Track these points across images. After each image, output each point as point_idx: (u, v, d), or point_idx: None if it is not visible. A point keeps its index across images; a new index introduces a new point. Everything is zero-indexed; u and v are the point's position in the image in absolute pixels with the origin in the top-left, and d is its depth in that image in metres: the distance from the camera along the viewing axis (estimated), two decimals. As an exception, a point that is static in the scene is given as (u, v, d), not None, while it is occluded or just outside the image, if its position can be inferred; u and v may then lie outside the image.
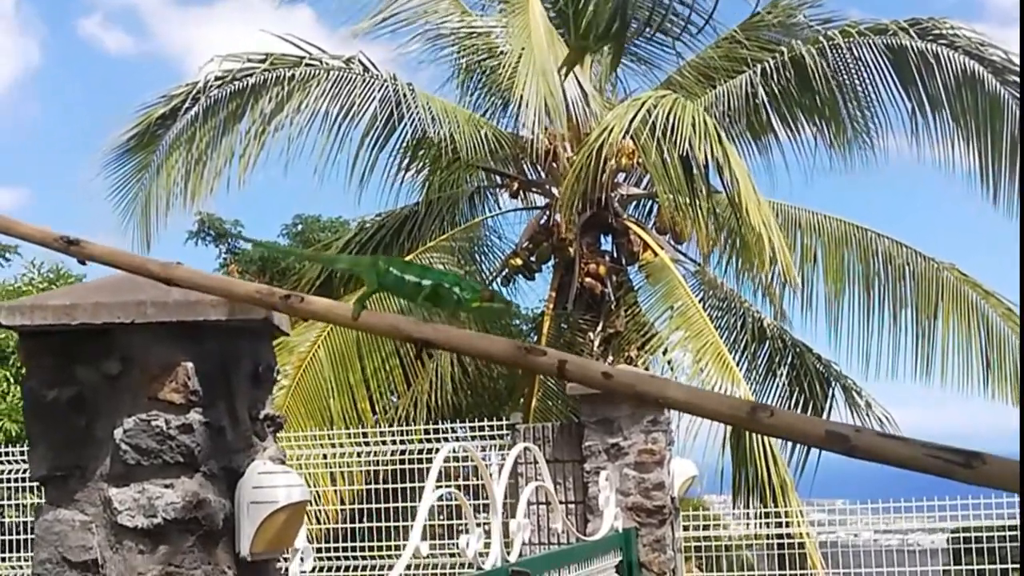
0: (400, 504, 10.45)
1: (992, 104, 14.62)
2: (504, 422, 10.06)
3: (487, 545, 5.77)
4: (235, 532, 3.65)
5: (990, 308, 15.62)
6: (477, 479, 9.03)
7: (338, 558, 10.45)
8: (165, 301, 3.50)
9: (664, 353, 13.80)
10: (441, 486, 5.91)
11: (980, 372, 15.36)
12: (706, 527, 12.19)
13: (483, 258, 16.08)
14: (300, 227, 23.24)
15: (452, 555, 9.32)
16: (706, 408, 2.60)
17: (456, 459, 9.23)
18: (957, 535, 12.48)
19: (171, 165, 14.46)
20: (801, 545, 12.06)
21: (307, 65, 14.41)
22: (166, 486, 3.50)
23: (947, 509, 11.66)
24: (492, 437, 10.03)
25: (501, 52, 15.12)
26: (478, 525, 5.65)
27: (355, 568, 10.42)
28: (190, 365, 3.53)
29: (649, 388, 2.65)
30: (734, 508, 13.96)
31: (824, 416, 15.50)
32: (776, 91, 14.84)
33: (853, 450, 2.26)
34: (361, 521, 10.69)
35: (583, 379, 2.76)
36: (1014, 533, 11.46)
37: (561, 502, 8.79)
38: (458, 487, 7.60)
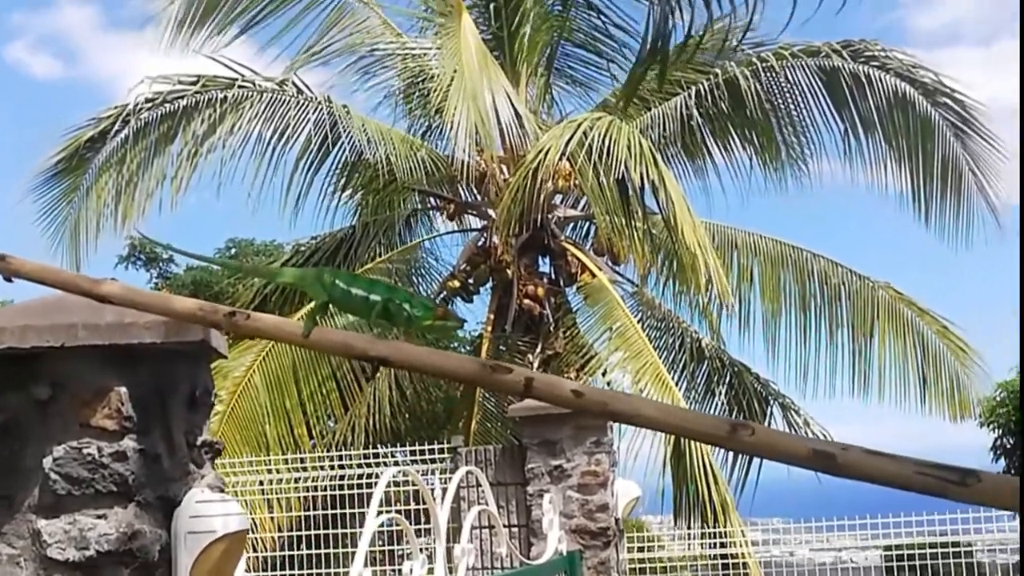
0: (339, 530, 10.26)
1: (923, 125, 14.82)
2: (445, 445, 9.93)
3: (431, 571, 5.63)
4: (172, 564, 3.48)
5: (925, 326, 15.80)
6: (418, 503, 8.88)
7: (275, 587, 10.24)
8: (97, 323, 3.34)
9: (604, 374, 13.76)
10: (383, 511, 5.77)
11: (917, 388, 15.52)
12: (649, 548, 12.14)
13: (421, 280, 15.97)
14: (233, 251, 22.95)
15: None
16: (683, 427, 2.51)
17: (397, 484, 9.08)
18: (890, 552, 12.55)
19: (101, 188, 14.18)
20: (744, 565, 12.04)
21: (240, 87, 14.22)
22: (98, 517, 3.33)
23: (879, 527, 11.70)
24: (433, 461, 9.90)
25: (435, 74, 15.03)
26: (421, 551, 5.51)
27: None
28: (124, 390, 3.37)
29: (622, 407, 2.56)
30: (675, 528, 13.92)
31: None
32: (711, 113, 14.94)
33: (839, 469, 2.19)
34: (299, 548, 10.48)
35: (551, 397, 2.67)
36: (946, 550, 11.52)
37: (504, 525, 8.67)
38: (399, 512, 7.45)
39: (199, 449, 3.68)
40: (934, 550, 11.52)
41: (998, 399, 19.02)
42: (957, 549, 11.56)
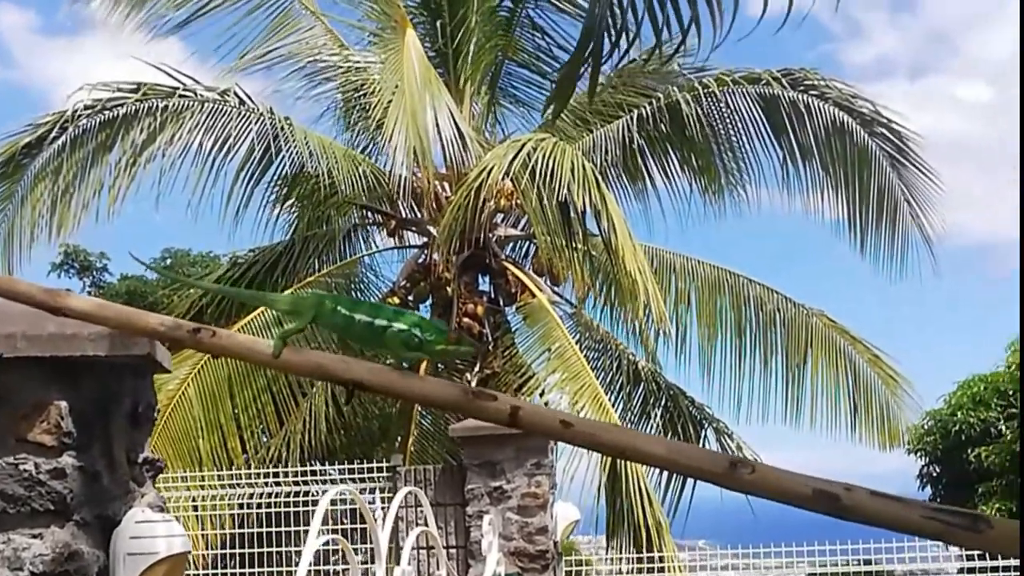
0: (273, 549, 10.10)
1: (860, 154, 14.98)
2: (384, 464, 9.82)
3: (370, 593, 5.56)
4: (110, 586, 3.39)
5: (857, 354, 15.96)
6: (355, 523, 8.77)
7: (206, 606, 10.05)
8: (39, 334, 3.24)
9: (541, 395, 13.71)
10: (323, 531, 5.68)
11: (847, 416, 15.67)
12: (586, 572, 12.09)
13: (359, 296, 15.80)
14: (168, 260, 22.63)
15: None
16: (678, 462, 2.43)
17: (333, 502, 8.96)
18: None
19: (36, 196, 13.87)
20: (677, 590, 12.04)
21: (181, 96, 14.01)
22: (34, 536, 3.22)
23: (804, 555, 11.77)
24: (371, 479, 9.78)
25: (377, 89, 14.94)
26: (362, 573, 5.43)
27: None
28: (64, 404, 3.27)
29: (614, 439, 2.48)
30: (607, 551, 13.88)
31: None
32: (652, 136, 15.00)
33: (843, 511, 2.13)
34: (231, 567, 10.29)
35: (538, 428, 2.59)
36: None
37: (443, 547, 8.59)
38: (335, 531, 7.35)
39: (140, 467, 3.59)
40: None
41: (925, 427, 19.29)
42: (880, 578, 11.68)
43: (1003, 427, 18.06)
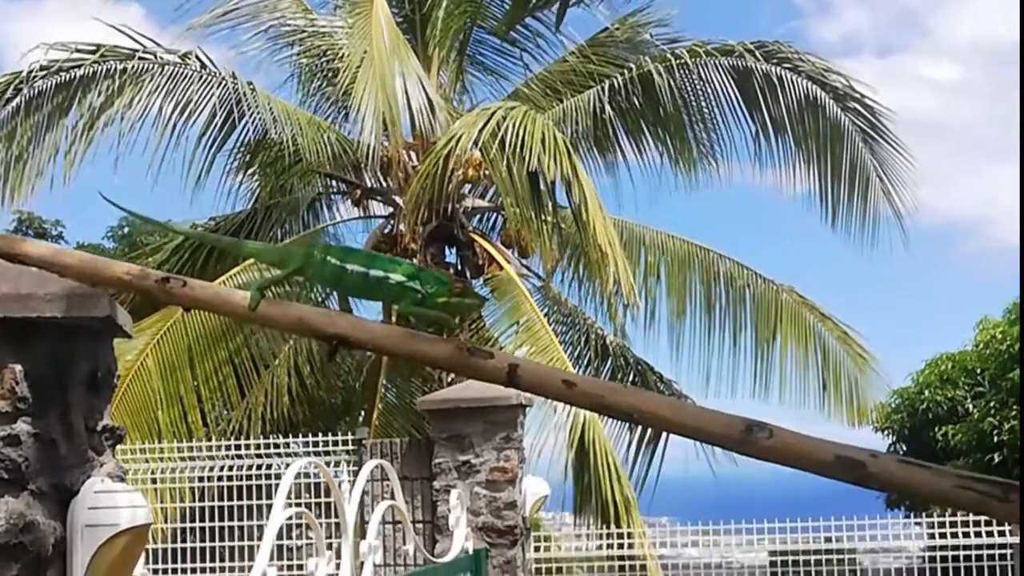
0: (234, 523, 9.87)
1: (832, 129, 14.86)
2: (349, 437, 9.60)
3: (337, 567, 5.34)
4: (67, 559, 3.15)
5: (826, 331, 15.89)
6: (319, 496, 8.55)
7: (165, 580, 9.80)
8: (-9, 292, 2.99)
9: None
10: (290, 505, 5.44)
11: (816, 393, 15.61)
12: (546, 548, 11.93)
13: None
14: (126, 229, 22.23)
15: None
16: (690, 426, 2.24)
17: (298, 475, 8.73)
18: (776, 557, 12.61)
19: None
20: (643, 567, 11.90)
21: (140, 59, 13.63)
22: (-14, 507, 2.98)
23: (765, 532, 11.72)
24: (335, 452, 9.56)
25: (344, 55, 14.63)
26: (328, 548, 5.21)
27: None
28: (19, 368, 3.03)
29: (620, 400, 2.28)
30: (575, 527, 13.74)
31: (664, 435, 15.49)
32: (623, 108, 14.78)
33: (868, 479, 1.93)
34: (190, 541, 10.05)
35: (538, 388, 2.38)
36: (830, 556, 11.58)
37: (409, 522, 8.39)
38: (298, 505, 7.12)
39: (100, 435, 3.35)
40: (818, 556, 11.57)
41: (893, 406, 19.32)
42: (841, 556, 11.63)
43: (970, 406, 18.10)
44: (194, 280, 2.80)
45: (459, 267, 14.91)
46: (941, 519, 11.44)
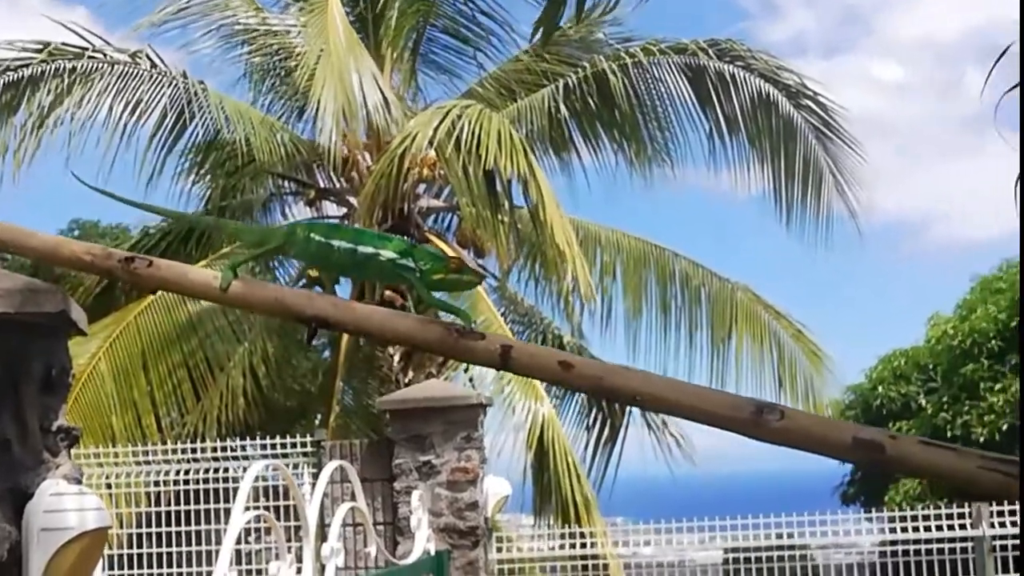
0: (191, 527, 9.72)
1: (786, 127, 14.87)
2: (308, 439, 9.48)
3: (299, 571, 5.23)
4: (22, 564, 3.03)
5: (781, 329, 15.93)
6: (279, 500, 8.43)
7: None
8: (-60, 286, 2.86)
9: (466, 370, 13.44)
10: (249, 508, 5.32)
11: (773, 391, 15.60)
12: (507, 549, 11.86)
13: (279, 267, 15.35)
14: (76, 232, 21.88)
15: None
16: (696, 408, 2.15)
17: (255, 478, 8.59)
18: (730, 555, 12.65)
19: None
20: (605, 566, 11.87)
21: (90, 58, 13.42)
22: (-64, 512, 2.86)
23: (717, 529, 11.76)
24: (293, 455, 9.43)
25: (298, 53, 14.48)
26: (289, 551, 5.09)
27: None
28: (-31, 365, 2.91)
29: (621, 382, 2.18)
30: (536, 528, 13.69)
31: (621, 435, 15.48)
32: (577, 107, 14.72)
33: (888, 462, 1.85)
34: (146, 546, 9.89)
35: (532, 370, 2.29)
36: (782, 553, 11.64)
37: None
38: (257, 508, 7.00)
39: (55, 435, 3.23)
40: (771, 552, 11.62)
41: (847, 402, 19.45)
42: (793, 552, 11.68)
43: (923, 401, 18.27)
44: (160, 260, 2.66)
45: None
46: (893, 514, 11.51)
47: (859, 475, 19.89)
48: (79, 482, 3.28)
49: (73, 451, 9.30)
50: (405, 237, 3.16)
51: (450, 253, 2.85)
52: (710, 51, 14.49)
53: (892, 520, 11.30)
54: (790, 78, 14.82)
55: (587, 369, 2.22)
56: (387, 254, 2.74)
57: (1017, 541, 10.37)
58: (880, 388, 18.80)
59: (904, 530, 11.00)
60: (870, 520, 13.49)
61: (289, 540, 5.60)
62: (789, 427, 1.98)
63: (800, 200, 15.21)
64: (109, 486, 10.17)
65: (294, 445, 9.46)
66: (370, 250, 2.73)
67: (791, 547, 11.78)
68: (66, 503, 3.09)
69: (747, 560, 11.91)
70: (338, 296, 2.69)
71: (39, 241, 2.66)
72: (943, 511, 10.89)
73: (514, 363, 2.28)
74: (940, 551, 10.86)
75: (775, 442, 2.09)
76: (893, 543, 11.32)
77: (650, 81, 14.76)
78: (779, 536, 11.73)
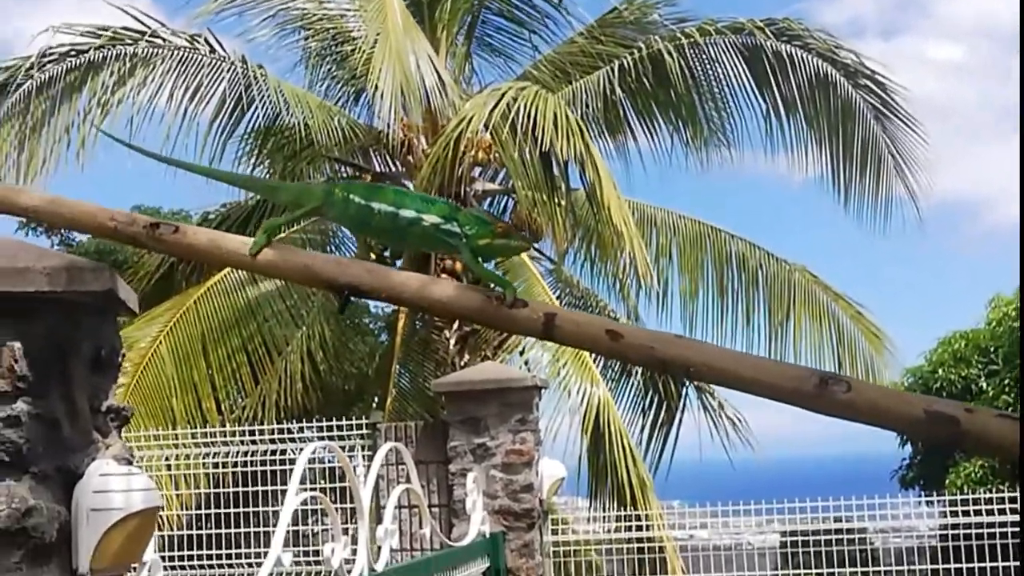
0: (248, 509, 9.82)
1: (844, 107, 14.68)
2: (364, 421, 9.53)
3: (353, 552, 5.25)
4: (72, 545, 3.06)
5: (840, 310, 15.77)
6: (334, 482, 8.48)
7: (182, 567, 9.75)
8: (-12, 267, 2.89)
9: (521, 353, 13.44)
10: (304, 489, 5.36)
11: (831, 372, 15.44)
12: (563, 531, 11.88)
13: (336, 252, 15.43)
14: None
15: (308, 564, 8.74)
16: (756, 380, 2.05)
17: (311, 461, 8.66)
18: (787, 538, 12.57)
19: (1, 145, 13.37)
20: (660, 549, 11.84)
21: (149, 42, 13.55)
22: (-13, 491, 2.89)
23: (774, 512, 11.68)
24: (349, 437, 9.48)
25: (355, 37, 14.52)
26: (345, 532, 5.12)
27: (198, 578, 9.76)
28: (17, 346, 2.93)
29: (674, 352, 2.08)
30: (590, 510, 13.67)
31: (678, 417, 15.42)
32: (633, 88, 14.62)
33: (962, 437, 1.75)
34: (206, 527, 10.00)
35: (579, 340, 2.21)
36: (840, 536, 11.55)
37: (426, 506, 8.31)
38: (313, 491, 7.04)
39: (105, 416, 3.25)
40: (828, 536, 11.53)
41: (906, 384, 19.18)
42: (851, 536, 11.58)
43: (984, 384, 17.97)
44: (187, 226, 2.61)
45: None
46: (954, 497, 11.37)
47: (918, 458, 19.63)
48: (130, 462, 3.30)
49: (134, 433, 9.42)
50: (451, 200, 3.02)
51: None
52: (767, 30, 14.32)
53: (952, 504, 11.16)
54: (848, 57, 14.61)
55: (637, 339, 2.12)
56: (431, 218, 2.61)
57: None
58: (940, 371, 18.52)
59: (965, 514, 10.87)
60: (930, 504, 13.34)
61: (346, 522, 5.64)
62: (856, 400, 1.89)
63: (858, 182, 15.03)
64: (169, 467, 10.30)
65: (350, 428, 9.52)
66: (412, 214, 2.61)
67: (849, 531, 11.70)
68: (116, 483, 3.11)
69: (804, 544, 11.84)
70: (373, 262, 2.60)
71: (68, 209, 2.64)
72: (1005, 494, 10.73)
73: (558, 332, 2.19)
74: (1003, 535, 10.71)
75: (840, 416, 2.00)
76: (954, 527, 11.19)
77: (706, 61, 14.62)
78: (836, 520, 11.66)
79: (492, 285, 2.55)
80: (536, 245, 15.50)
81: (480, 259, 2.71)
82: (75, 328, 3.11)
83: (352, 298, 2.60)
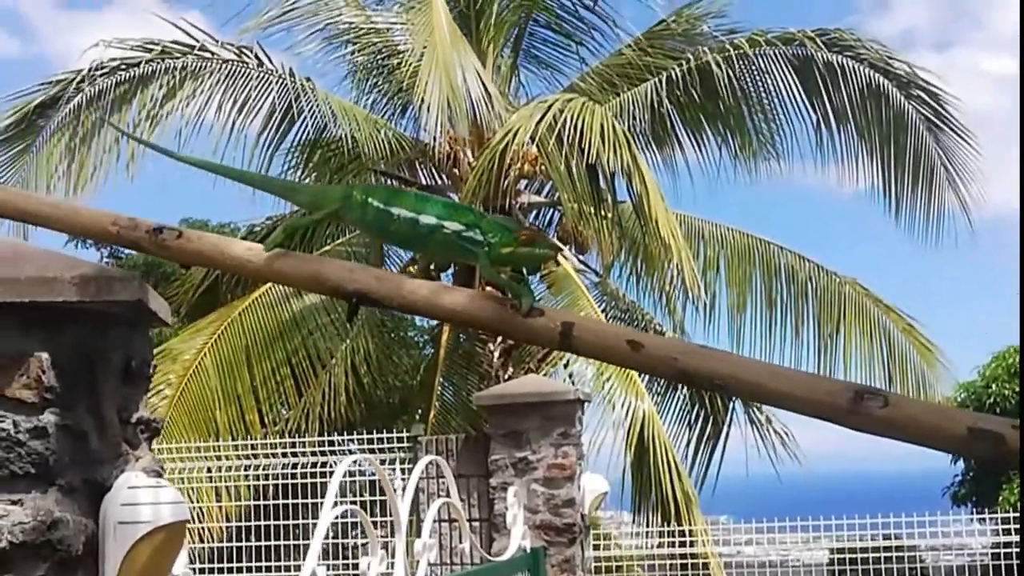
0: (291, 521, 9.80)
1: (896, 118, 14.49)
2: (404, 435, 9.49)
3: (390, 567, 5.20)
4: (99, 559, 3.02)
5: (891, 323, 15.53)
6: (375, 495, 8.44)
7: (222, 580, 9.75)
8: (16, 277, 2.86)
9: (566, 366, 13.35)
10: (341, 502, 5.31)
11: (882, 387, 15.17)
12: (605, 546, 11.77)
13: (383, 264, 15.44)
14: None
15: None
16: (786, 393, 1.94)
17: (353, 473, 8.64)
18: (836, 555, 12.39)
19: (51, 155, 13.54)
20: (705, 565, 11.69)
21: (198, 55, 13.68)
22: (13, 503, 2.85)
23: (820, 528, 11.52)
24: (391, 450, 9.44)
25: (401, 51, 14.56)
26: (382, 546, 5.06)
27: (240, 591, 9.75)
28: (45, 356, 2.89)
29: (698, 363, 1.98)
30: (634, 525, 13.54)
31: (724, 432, 15.26)
32: (681, 100, 14.53)
33: (1009, 456, 1.64)
34: (247, 540, 9.99)
35: (598, 351, 2.11)
36: (889, 554, 11.36)
37: (465, 520, 8.25)
38: (354, 503, 7.00)
39: (134, 427, 3.21)
40: (878, 554, 11.34)
41: (959, 399, 18.90)
42: (901, 553, 11.40)
43: (1039, 399, 17.68)
44: (191, 231, 2.54)
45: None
46: (1007, 515, 11.16)
47: (970, 475, 19.34)
48: (159, 475, 3.26)
49: (177, 444, 9.42)
50: (475, 206, 2.94)
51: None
52: (818, 40, 14.19)
53: (1005, 521, 10.94)
54: (901, 68, 14.44)
55: (660, 349, 2.01)
56: (452, 225, 2.48)
57: None
58: (994, 386, 18.25)
59: (1019, 532, 10.64)
60: (982, 521, 13.08)
61: (387, 535, 5.58)
62: (894, 416, 1.76)
63: (910, 193, 14.83)
64: (212, 479, 10.31)
65: (391, 440, 9.47)
66: (433, 220, 2.47)
67: (899, 548, 11.52)
68: (144, 496, 3.06)
69: (853, 561, 11.66)
70: (385, 269, 2.53)
71: (59, 211, 2.57)
72: (1061, 513, 10.51)
73: (577, 342, 2.09)
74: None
75: (878, 433, 1.88)
76: (1007, 545, 10.97)
77: (755, 73, 14.51)
78: (887, 537, 11.49)
79: (509, 294, 2.46)
80: (582, 258, 15.43)
81: (500, 267, 2.61)
82: (104, 339, 3.08)
83: (362, 306, 2.52)
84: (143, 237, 2.49)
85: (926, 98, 14.43)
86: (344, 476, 7.11)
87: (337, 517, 7.30)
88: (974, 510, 18.20)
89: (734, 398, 15.37)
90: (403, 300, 2.29)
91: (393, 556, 5.24)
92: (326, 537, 8.11)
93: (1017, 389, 17.91)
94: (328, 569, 8.62)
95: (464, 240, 2.44)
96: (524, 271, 2.69)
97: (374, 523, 7.21)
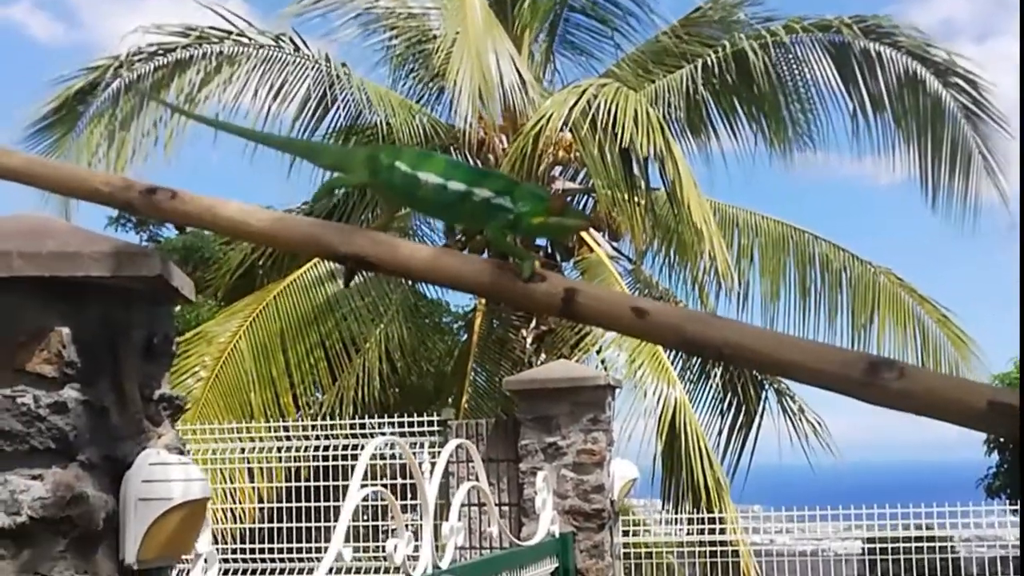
0: (323, 503, 9.86)
1: (933, 106, 14.33)
2: (435, 418, 9.52)
3: (417, 549, 5.22)
4: (119, 535, 3.04)
5: (925, 314, 15.40)
6: (405, 478, 8.47)
7: (255, 560, 9.81)
8: (37, 252, 2.87)
9: (598, 352, 13.33)
10: (367, 484, 5.34)
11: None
12: (635, 532, 11.74)
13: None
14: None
15: (378, 559, 8.75)
16: (797, 363, 1.88)
17: (382, 456, 8.67)
18: (870, 545, 12.30)
19: (92, 139, 13.65)
20: (735, 553, 11.64)
21: (235, 40, 13.76)
22: (33, 477, 2.88)
23: (853, 518, 11.45)
24: (422, 434, 9.47)
25: (436, 36, 14.57)
26: (407, 527, 5.09)
27: (272, 571, 9.80)
28: (66, 331, 2.91)
29: (705, 331, 1.92)
30: (663, 512, 13.50)
31: (757, 421, 15.20)
32: (716, 87, 14.44)
33: None
34: (281, 521, 10.07)
35: (602, 319, 2.05)
36: (920, 544, 11.28)
37: (494, 504, 8.26)
38: (384, 486, 7.03)
39: (157, 404, 3.22)
40: (911, 544, 11.26)
41: (996, 391, 18.70)
42: (932, 544, 11.30)
43: (1077, 390, 17.47)
44: (186, 192, 2.50)
45: (549, 250, 14.77)
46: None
47: (1005, 467, 19.15)
48: (181, 452, 3.28)
49: (211, 426, 9.48)
50: (507, 174, 2.83)
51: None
52: (855, 28, 14.03)
53: (1040, 513, 10.82)
54: (938, 55, 14.25)
55: (665, 316, 1.95)
56: (482, 192, 2.36)
57: None
58: (1030, 377, 18.04)
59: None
60: (1015, 513, 12.95)
61: (418, 519, 5.61)
62: (910, 388, 1.70)
63: (947, 183, 14.65)
64: (247, 460, 10.39)
65: (420, 423, 9.51)
66: (462, 187, 2.36)
67: (932, 539, 11.43)
68: (165, 473, 3.08)
69: (885, 551, 11.59)
70: (386, 233, 2.46)
71: (52, 170, 2.55)
72: (1098, 503, 10.39)
73: (579, 309, 2.01)
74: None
75: (893, 406, 1.82)
76: (1041, 535, 10.86)
77: (791, 60, 14.38)
78: (920, 528, 11.39)
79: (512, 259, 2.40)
80: (615, 244, 15.38)
81: (527, 236, 2.55)
82: (126, 314, 3.09)
83: (360, 271, 2.48)
84: (136, 198, 2.46)
85: (964, 86, 14.24)
86: (375, 459, 7.15)
87: (367, 499, 7.35)
88: (1008, 501, 18.05)
89: (767, 386, 15.34)
90: (400, 264, 2.23)
91: (420, 539, 5.26)
92: (355, 519, 8.16)
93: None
94: (359, 551, 8.68)
95: (492, 207, 2.36)
96: (559, 258, 2.65)
97: (404, 507, 7.25)
